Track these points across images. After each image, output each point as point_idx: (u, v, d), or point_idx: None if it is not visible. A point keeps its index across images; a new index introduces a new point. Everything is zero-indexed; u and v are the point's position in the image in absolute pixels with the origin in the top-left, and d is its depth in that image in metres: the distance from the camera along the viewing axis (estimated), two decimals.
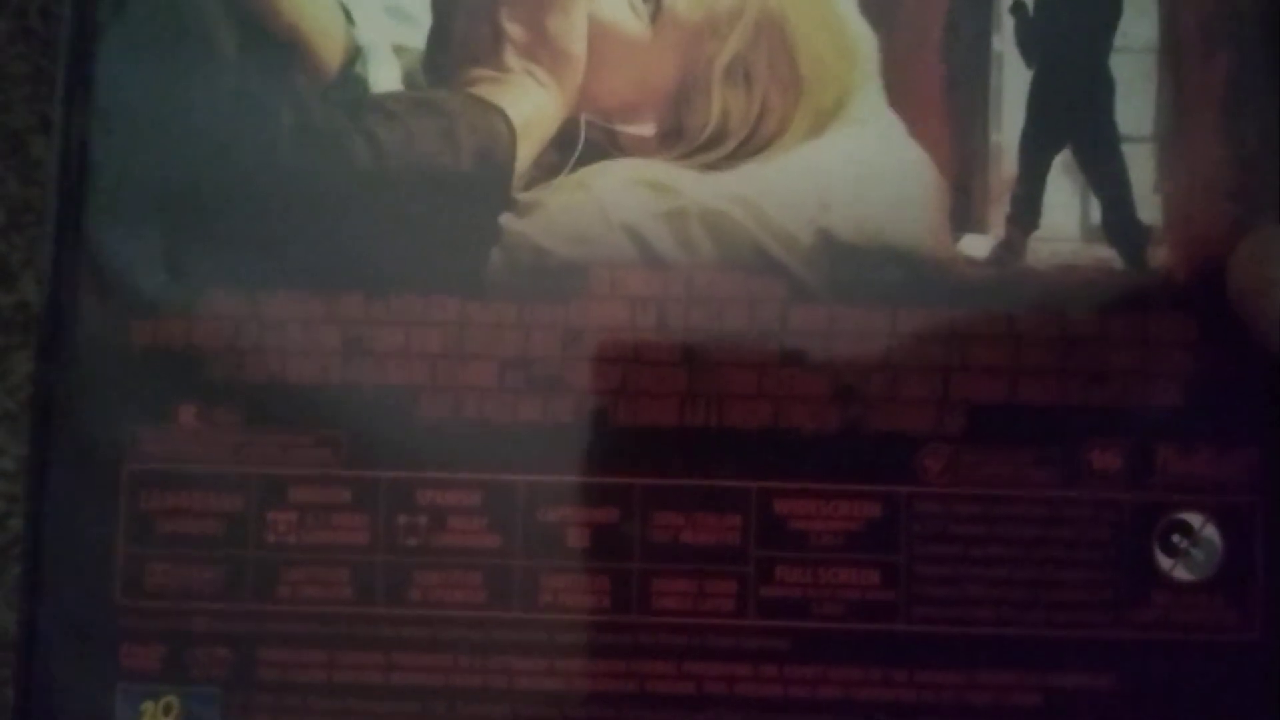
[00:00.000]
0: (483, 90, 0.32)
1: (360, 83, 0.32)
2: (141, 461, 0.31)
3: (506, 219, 0.31)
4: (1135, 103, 0.32)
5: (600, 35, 0.32)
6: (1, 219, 0.37)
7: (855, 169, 0.31)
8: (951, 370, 0.31)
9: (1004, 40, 0.32)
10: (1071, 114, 0.32)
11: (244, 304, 0.31)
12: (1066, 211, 0.32)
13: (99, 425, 0.31)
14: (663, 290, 0.31)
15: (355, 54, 0.32)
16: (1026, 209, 0.31)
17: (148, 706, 0.30)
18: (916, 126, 0.32)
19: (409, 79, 0.32)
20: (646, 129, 0.32)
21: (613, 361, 0.31)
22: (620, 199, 0.31)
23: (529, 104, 0.32)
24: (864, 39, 0.32)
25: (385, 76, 0.32)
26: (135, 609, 0.31)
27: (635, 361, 0.31)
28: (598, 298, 0.31)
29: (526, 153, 0.31)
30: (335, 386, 0.31)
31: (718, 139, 0.32)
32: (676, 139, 0.32)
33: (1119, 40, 0.32)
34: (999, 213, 0.31)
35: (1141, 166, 0.31)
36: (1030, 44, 0.32)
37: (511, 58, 0.32)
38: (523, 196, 0.31)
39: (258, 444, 0.31)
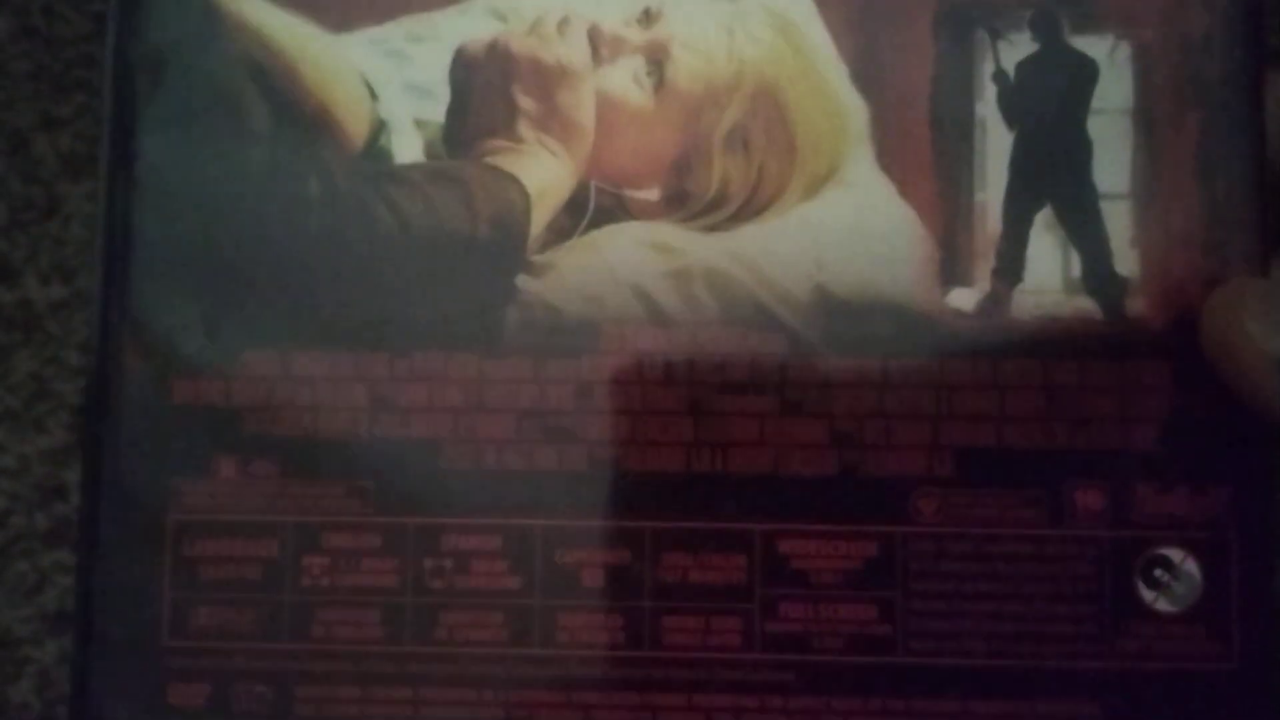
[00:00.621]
0: (499, 160, 0.34)
1: (384, 154, 0.34)
2: (184, 512, 0.33)
3: (522, 280, 0.33)
4: (1112, 162, 0.33)
5: (607, 107, 0.34)
6: (4, 217, 0.38)
7: (848, 229, 0.33)
8: (941, 417, 0.33)
9: (987, 106, 0.34)
10: (1052, 173, 0.34)
11: (277, 363, 0.33)
12: (1048, 265, 0.33)
13: (144, 479, 0.33)
14: (669, 345, 0.33)
15: (379, 128, 0.34)
16: (1010, 263, 0.33)
17: None
18: (905, 188, 0.33)
19: (430, 150, 0.34)
20: (652, 194, 0.34)
21: (623, 413, 0.33)
22: (628, 260, 0.33)
23: (542, 172, 0.34)
24: (854, 107, 0.34)
25: (407, 148, 0.34)
26: (181, 650, 0.33)
27: (644, 412, 0.33)
28: (608, 353, 0.33)
29: (540, 217, 0.34)
30: (364, 439, 0.33)
31: (719, 203, 0.34)
32: (680, 203, 0.34)
33: (1096, 103, 0.34)
34: (984, 267, 0.33)
35: (1119, 222, 0.33)
36: (1011, 108, 0.34)
37: (525, 129, 0.34)
38: (537, 258, 0.33)
39: (292, 494, 0.33)
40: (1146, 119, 0.33)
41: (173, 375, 0.33)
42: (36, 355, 0.38)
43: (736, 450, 0.33)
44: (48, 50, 0.38)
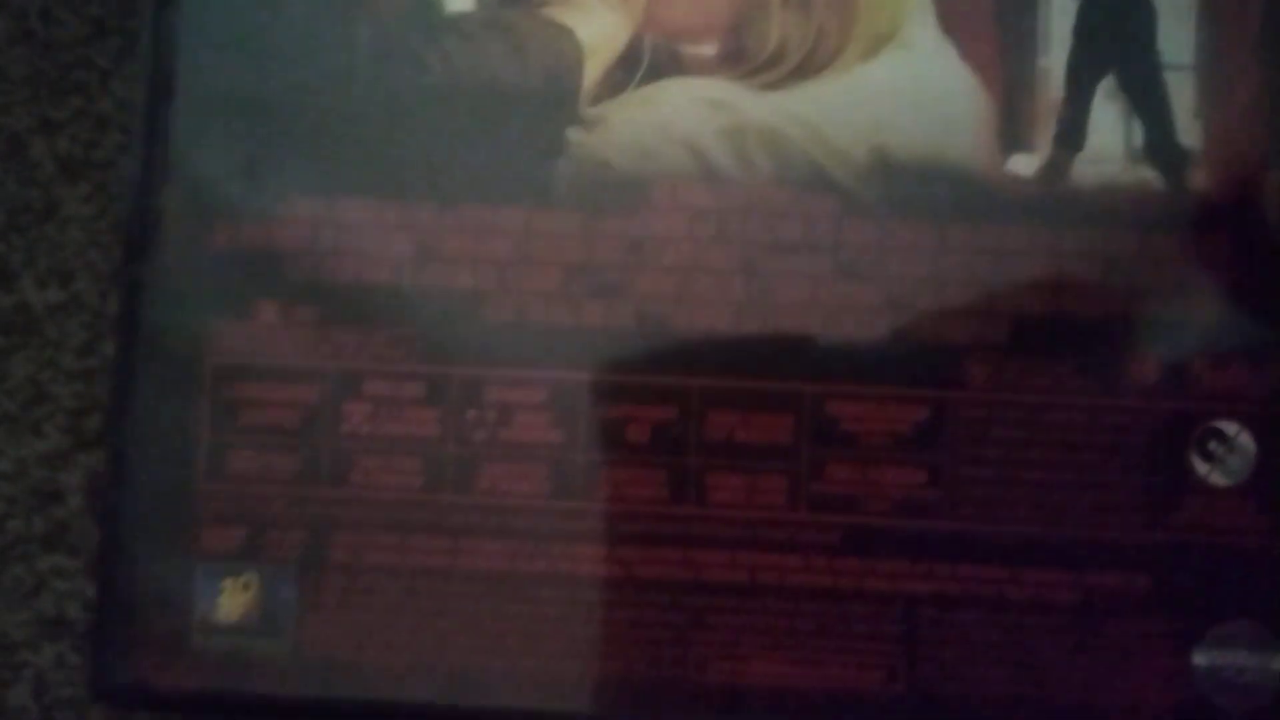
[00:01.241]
0: (552, 11, 0.33)
1: (436, 2, 0.33)
2: (223, 355, 0.32)
3: (573, 133, 0.33)
4: (1176, 32, 0.33)
5: None
6: (1, 220, 0.37)
7: (908, 91, 0.33)
8: (997, 283, 0.32)
9: None
10: (1116, 41, 0.33)
11: (322, 209, 0.33)
12: (1110, 134, 0.33)
13: (183, 322, 0.33)
14: (721, 203, 0.33)
15: None
16: (1072, 131, 0.33)
17: (227, 584, 0.32)
18: (967, 51, 0.33)
19: (482, 0, 0.34)
20: (708, 49, 0.33)
21: (672, 270, 0.32)
22: (682, 115, 0.33)
23: (596, 24, 0.33)
24: None
25: None
26: (217, 493, 0.32)
27: (694, 270, 0.32)
28: (659, 209, 0.33)
29: (593, 71, 0.33)
30: (408, 289, 0.32)
31: (776, 60, 0.33)
32: (737, 59, 0.33)
33: None
34: (1046, 134, 0.33)
35: (1182, 93, 0.33)
36: None
37: None
38: (589, 112, 0.33)
39: (334, 340, 0.32)
40: None
41: (214, 219, 0.33)
42: (34, 359, 0.37)
43: (787, 311, 0.32)
44: (45, 53, 0.38)
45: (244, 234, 0.33)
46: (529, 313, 0.32)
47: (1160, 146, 0.33)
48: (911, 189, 0.32)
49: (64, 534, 0.36)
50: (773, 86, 0.33)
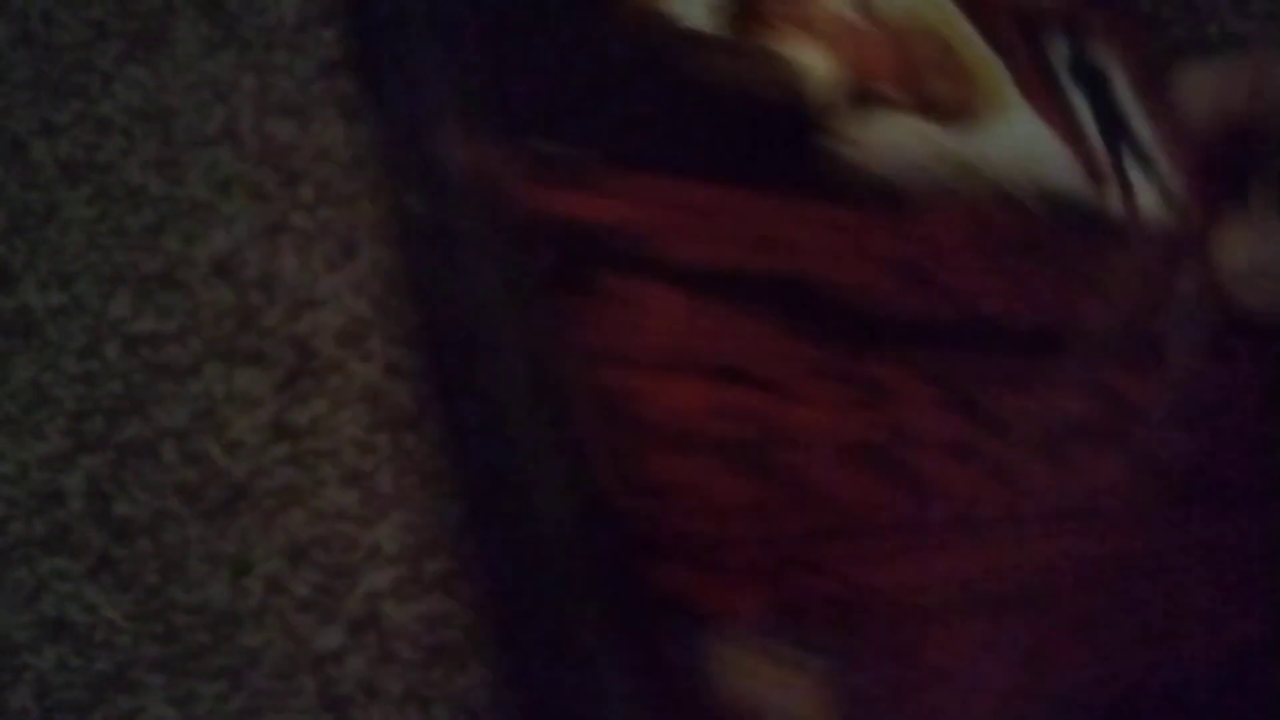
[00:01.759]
0: (768, 43, 0.37)
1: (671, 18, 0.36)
2: None
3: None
4: None
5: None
6: (3, 222, 0.37)
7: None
8: None
9: None
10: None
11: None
12: None
13: None
14: None
15: None
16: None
17: None
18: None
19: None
20: (900, 93, 0.39)
21: None
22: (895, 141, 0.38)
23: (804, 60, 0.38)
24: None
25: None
26: None
27: None
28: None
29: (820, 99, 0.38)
30: None
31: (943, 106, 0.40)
32: (921, 102, 0.40)
33: None
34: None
35: None
36: None
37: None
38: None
39: None
40: None
41: None
42: (35, 361, 0.36)
43: None
44: (46, 56, 0.38)
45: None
46: None
47: None
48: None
49: (65, 537, 0.35)
50: (951, 126, 0.40)
